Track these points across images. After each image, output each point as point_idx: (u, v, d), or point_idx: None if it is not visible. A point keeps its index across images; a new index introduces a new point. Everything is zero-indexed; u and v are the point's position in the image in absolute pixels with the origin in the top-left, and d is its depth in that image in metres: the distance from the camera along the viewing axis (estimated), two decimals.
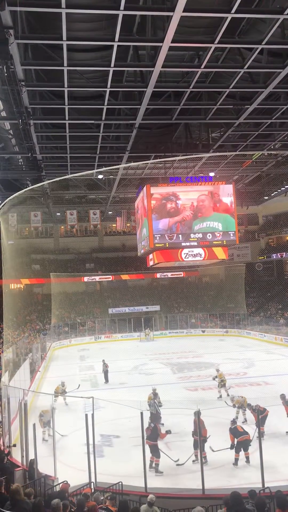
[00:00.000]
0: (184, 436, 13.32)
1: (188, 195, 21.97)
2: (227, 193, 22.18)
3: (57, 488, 9.12)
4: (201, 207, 21.73)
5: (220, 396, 18.33)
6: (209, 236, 21.69)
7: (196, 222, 21.72)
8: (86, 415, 10.36)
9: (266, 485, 9.55)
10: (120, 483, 9.52)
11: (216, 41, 13.96)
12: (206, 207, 21.80)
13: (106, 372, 23.17)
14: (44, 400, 18.58)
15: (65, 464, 11.34)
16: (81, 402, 14.87)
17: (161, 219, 21.41)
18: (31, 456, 11.23)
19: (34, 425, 10.96)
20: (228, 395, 17.65)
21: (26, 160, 24.78)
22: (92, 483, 9.81)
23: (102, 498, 8.11)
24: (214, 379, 19.43)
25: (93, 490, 9.07)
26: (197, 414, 10.78)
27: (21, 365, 20.08)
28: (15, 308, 41.09)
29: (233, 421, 12.56)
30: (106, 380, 23.02)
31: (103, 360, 23.53)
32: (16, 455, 11.70)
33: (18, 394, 13.29)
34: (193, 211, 21.71)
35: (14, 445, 11.90)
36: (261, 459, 10.07)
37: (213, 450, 11.52)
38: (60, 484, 9.14)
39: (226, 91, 18.21)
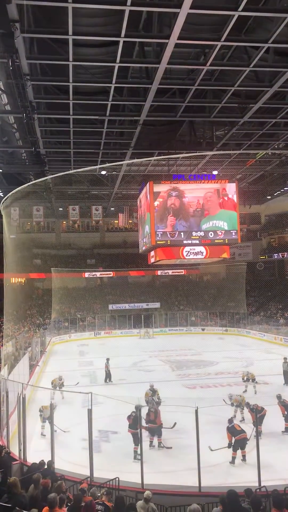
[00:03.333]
0: (182, 434, 13.35)
1: (193, 192, 21.88)
2: (231, 192, 22.11)
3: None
4: (208, 205, 21.64)
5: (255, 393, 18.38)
6: (211, 234, 21.64)
7: (204, 221, 21.67)
8: (89, 410, 10.39)
9: (262, 484, 9.58)
10: (117, 478, 9.55)
11: (223, 39, 13.92)
12: (213, 205, 21.71)
13: (109, 372, 22.70)
14: (42, 394, 18.66)
15: (62, 459, 11.37)
16: (79, 397, 14.91)
17: (162, 217, 21.34)
18: (29, 450, 11.29)
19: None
20: (255, 392, 17.84)
21: (29, 155, 24.78)
22: (88, 478, 9.84)
23: (98, 493, 8.14)
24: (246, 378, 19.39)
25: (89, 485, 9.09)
26: (196, 412, 10.79)
27: (20, 359, 20.13)
28: (16, 302, 41.12)
29: (230, 420, 12.60)
30: (109, 380, 22.55)
31: (108, 359, 23.12)
32: (14, 449, 11.73)
33: (17, 388, 13.31)
34: (199, 209, 21.63)
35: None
36: (258, 458, 10.10)
37: (211, 450, 11.53)
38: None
39: (231, 89, 18.17)
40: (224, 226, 21.53)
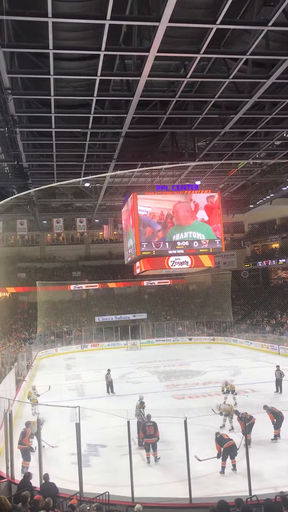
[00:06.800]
0: (171, 445, 13.29)
1: (163, 204, 21.94)
2: (208, 201, 22.26)
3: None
4: (176, 216, 21.75)
5: (235, 404, 17.92)
6: (196, 244, 21.76)
7: (173, 232, 21.71)
8: (77, 424, 10.29)
9: (253, 493, 9.55)
10: (107, 493, 9.44)
11: (202, 51, 14.09)
12: (182, 215, 21.80)
13: (111, 382, 22.58)
14: (29, 410, 18.42)
15: (51, 475, 11.18)
16: (67, 412, 14.74)
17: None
18: (16, 467, 11.10)
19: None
20: (235, 403, 17.58)
21: (12, 168, 24.68)
22: (78, 494, 9.71)
23: (88, 508, 8.03)
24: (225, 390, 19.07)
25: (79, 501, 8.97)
26: (185, 422, 10.75)
27: (6, 375, 19.86)
28: (1, 317, 40.72)
29: (217, 432, 12.52)
30: (111, 391, 22.46)
31: (109, 370, 22.93)
32: (1, 467, 11.54)
33: (3, 404, 13.13)
34: (164, 220, 21.68)
35: None
36: (248, 467, 10.08)
37: (199, 460, 11.44)
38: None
39: (211, 100, 18.38)
40: (199, 237, 21.68)
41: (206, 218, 22.00)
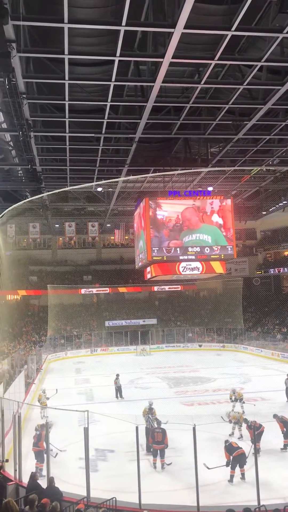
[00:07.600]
0: (179, 451, 13.20)
1: (179, 208, 22.08)
2: (220, 207, 22.31)
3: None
4: (186, 219, 21.81)
5: (243, 412, 17.61)
6: (207, 250, 21.71)
7: (183, 235, 21.75)
8: (85, 428, 10.26)
9: (261, 503, 9.43)
10: (114, 498, 9.39)
11: (216, 58, 14.12)
12: (190, 220, 21.87)
13: (119, 387, 22.54)
14: (38, 412, 18.45)
15: (58, 479, 11.17)
16: (76, 416, 14.72)
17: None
18: (24, 470, 11.11)
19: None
20: (243, 412, 17.33)
21: (25, 172, 24.89)
22: (85, 498, 9.68)
23: None
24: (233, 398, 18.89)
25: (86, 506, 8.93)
26: (193, 429, 10.68)
27: (16, 377, 19.93)
28: (11, 320, 40.94)
29: (226, 440, 12.42)
30: (120, 396, 22.42)
31: (118, 375, 22.86)
32: (9, 469, 11.54)
33: (12, 407, 13.16)
34: (177, 223, 21.78)
35: (7, 460, 11.76)
36: (256, 477, 9.97)
37: (208, 468, 11.34)
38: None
39: (225, 107, 18.38)
40: (207, 240, 21.69)
41: (220, 222, 22.05)
